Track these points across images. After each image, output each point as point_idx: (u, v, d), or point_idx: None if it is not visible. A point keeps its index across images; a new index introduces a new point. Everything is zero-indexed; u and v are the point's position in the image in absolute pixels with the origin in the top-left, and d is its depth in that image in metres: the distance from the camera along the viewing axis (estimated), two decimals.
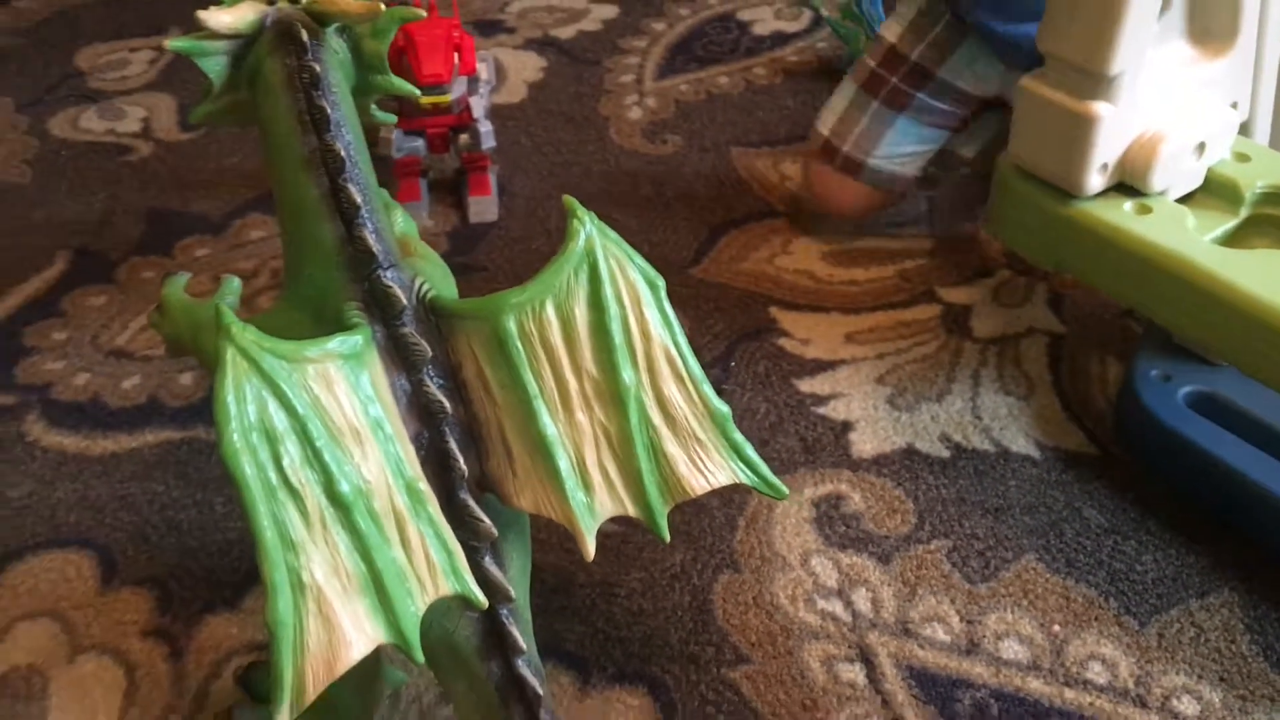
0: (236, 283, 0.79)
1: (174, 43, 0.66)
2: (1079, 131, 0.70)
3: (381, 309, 0.65)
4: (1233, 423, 0.94)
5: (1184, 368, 0.99)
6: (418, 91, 0.72)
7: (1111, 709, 0.81)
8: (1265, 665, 0.83)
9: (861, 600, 0.88)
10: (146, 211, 1.29)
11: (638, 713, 0.81)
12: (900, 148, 1.15)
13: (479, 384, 0.66)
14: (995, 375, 1.08)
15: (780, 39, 1.64)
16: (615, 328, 0.65)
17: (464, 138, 1.25)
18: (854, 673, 0.83)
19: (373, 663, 0.75)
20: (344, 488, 0.58)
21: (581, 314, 0.65)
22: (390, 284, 0.64)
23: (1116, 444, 1.00)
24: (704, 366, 0.67)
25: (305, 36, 0.65)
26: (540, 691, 0.66)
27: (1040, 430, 1.02)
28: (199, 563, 0.91)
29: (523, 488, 0.66)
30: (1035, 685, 0.83)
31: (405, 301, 0.64)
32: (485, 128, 1.24)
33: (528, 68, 1.57)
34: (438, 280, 0.68)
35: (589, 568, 0.90)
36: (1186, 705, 0.81)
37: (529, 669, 0.66)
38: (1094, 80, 0.68)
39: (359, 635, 0.59)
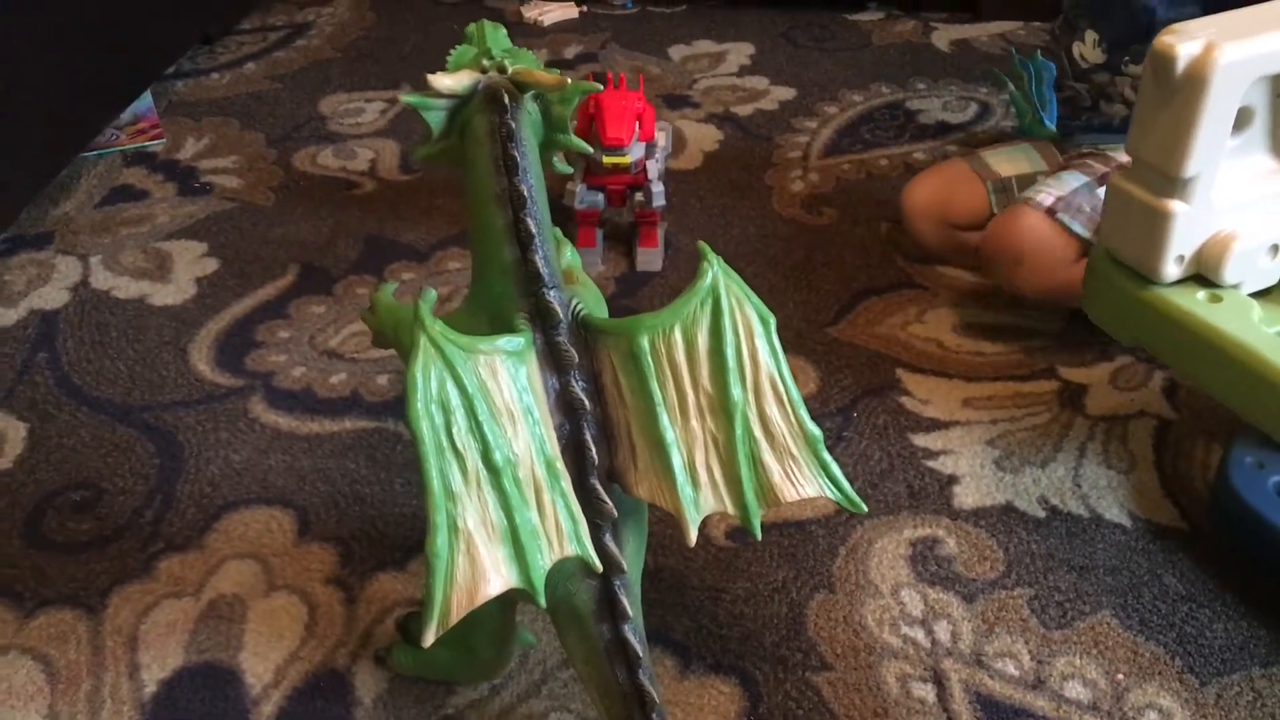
0: (433, 294, 0.94)
1: (406, 98, 0.83)
2: (1157, 225, 0.80)
3: (542, 319, 0.80)
4: None
5: (1276, 458, 1.05)
6: (590, 149, 0.87)
7: None
8: None
9: (942, 631, 0.98)
10: (365, 237, 1.50)
11: (727, 700, 0.93)
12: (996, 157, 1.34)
13: (614, 389, 0.80)
14: (1100, 450, 1.16)
15: (944, 128, 1.75)
16: (730, 352, 0.78)
17: (639, 196, 1.41)
18: (925, 691, 0.93)
19: (510, 622, 0.90)
20: (497, 456, 0.73)
21: (703, 339, 0.78)
22: (552, 300, 0.80)
23: (1207, 523, 1.07)
24: (828, 415, 0.79)
25: (507, 99, 0.82)
26: (641, 655, 0.79)
27: (1135, 503, 1.10)
28: (377, 529, 1.07)
29: (642, 479, 0.80)
30: None
31: (562, 316, 0.79)
32: (658, 188, 1.40)
33: (706, 138, 1.73)
34: (591, 304, 0.83)
35: (702, 573, 1.03)
36: None
37: (633, 634, 0.79)
38: (1170, 181, 0.79)
39: (496, 576, 0.73)
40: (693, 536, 0.79)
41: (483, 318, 0.82)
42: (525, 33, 2.08)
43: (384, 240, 1.50)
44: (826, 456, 0.80)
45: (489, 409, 0.74)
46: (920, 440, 1.18)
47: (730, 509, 0.79)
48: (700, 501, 0.79)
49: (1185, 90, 0.75)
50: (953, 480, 1.13)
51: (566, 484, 0.76)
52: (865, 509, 0.81)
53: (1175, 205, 0.80)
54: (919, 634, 0.98)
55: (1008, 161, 1.39)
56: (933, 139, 1.72)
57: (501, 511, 0.74)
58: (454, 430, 0.72)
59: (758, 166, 1.66)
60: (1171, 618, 0.99)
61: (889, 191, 1.59)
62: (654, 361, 0.78)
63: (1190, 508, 1.09)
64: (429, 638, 0.72)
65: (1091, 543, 1.06)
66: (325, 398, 1.24)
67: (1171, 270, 0.83)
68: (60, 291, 1.40)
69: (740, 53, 2.00)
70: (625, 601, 0.79)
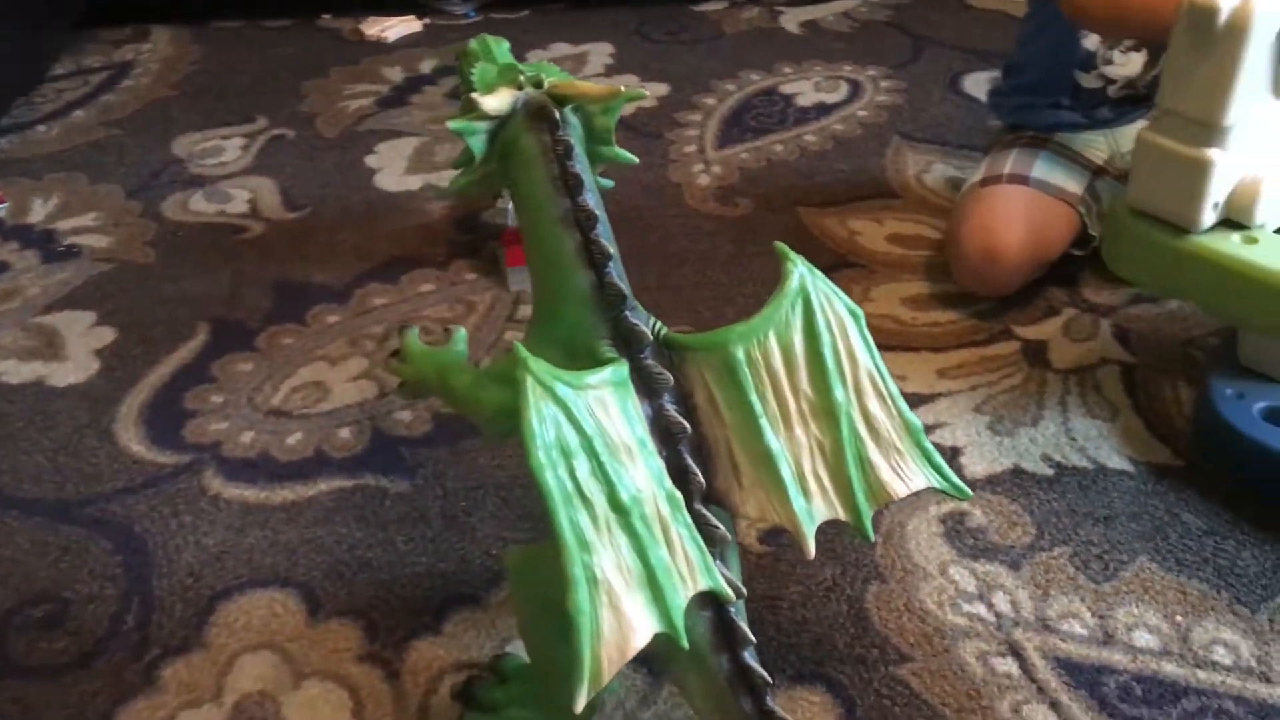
0: (463, 332, 0.88)
1: (454, 124, 0.76)
2: (1195, 175, 0.82)
3: (626, 343, 0.75)
4: None
5: (1253, 387, 1.10)
6: (636, 160, 0.82)
7: (1240, 685, 0.91)
8: None
9: (1001, 602, 0.98)
10: (272, 284, 1.39)
11: (820, 709, 0.90)
12: (1052, 172, 1.30)
13: (709, 408, 0.76)
14: (1080, 402, 1.19)
15: (824, 109, 1.77)
16: (827, 353, 0.75)
17: None
18: (1008, 665, 0.93)
19: None
20: (624, 496, 0.68)
21: (799, 342, 0.75)
22: (636, 322, 0.74)
23: (1198, 458, 1.11)
24: None
25: (559, 115, 0.76)
26: (770, 680, 0.75)
27: (1130, 448, 1.13)
28: (395, 594, 0.99)
29: (748, 498, 0.76)
30: (1170, 668, 0.92)
31: (649, 336, 0.74)
32: None
33: None
34: None
35: (750, 584, 0.99)
36: None
37: (755, 660, 0.75)
38: (1209, 131, 0.81)
39: (641, 624, 0.68)
40: (811, 549, 0.75)
41: (556, 351, 0.76)
42: (371, 50, 1.98)
43: (294, 285, 1.39)
44: (929, 445, 0.78)
45: (607, 447, 0.69)
46: None
47: (842, 514, 0.77)
48: (813, 511, 0.76)
49: (1226, 41, 0.77)
50: (956, 451, 1.13)
51: (686, 513, 0.72)
52: (971, 494, 0.79)
53: (1214, 154, 0.82)
54: (980, 609, 0.97)
55: (1057, 171, 1.32)
56: (817, 120, 1.74)
57: (635, 554, 0.68)
58: (578, 475, 0.67)
59: (658, 165, 1.63)
60: (1202, 553, 1.02)
61: (795, 177, 1.60)
62: (751, 372, 0.75)
63: (1180, 445, 1.13)
64: (580, 703, 0.66)
65: (1106, 493, 1.08)
66: (287, 461, 1.13)
67: (1208, 218, 0.85)
68: None
69: (600, 52, 1.97)
70: (744, 626, 0.75)
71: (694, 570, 0.70)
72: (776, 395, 0.75)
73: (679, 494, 0.71)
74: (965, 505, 1.07)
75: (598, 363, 0.74)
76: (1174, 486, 1.09)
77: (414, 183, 1.59)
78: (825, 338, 0.75)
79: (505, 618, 0.97)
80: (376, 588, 1.00)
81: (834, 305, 0.76)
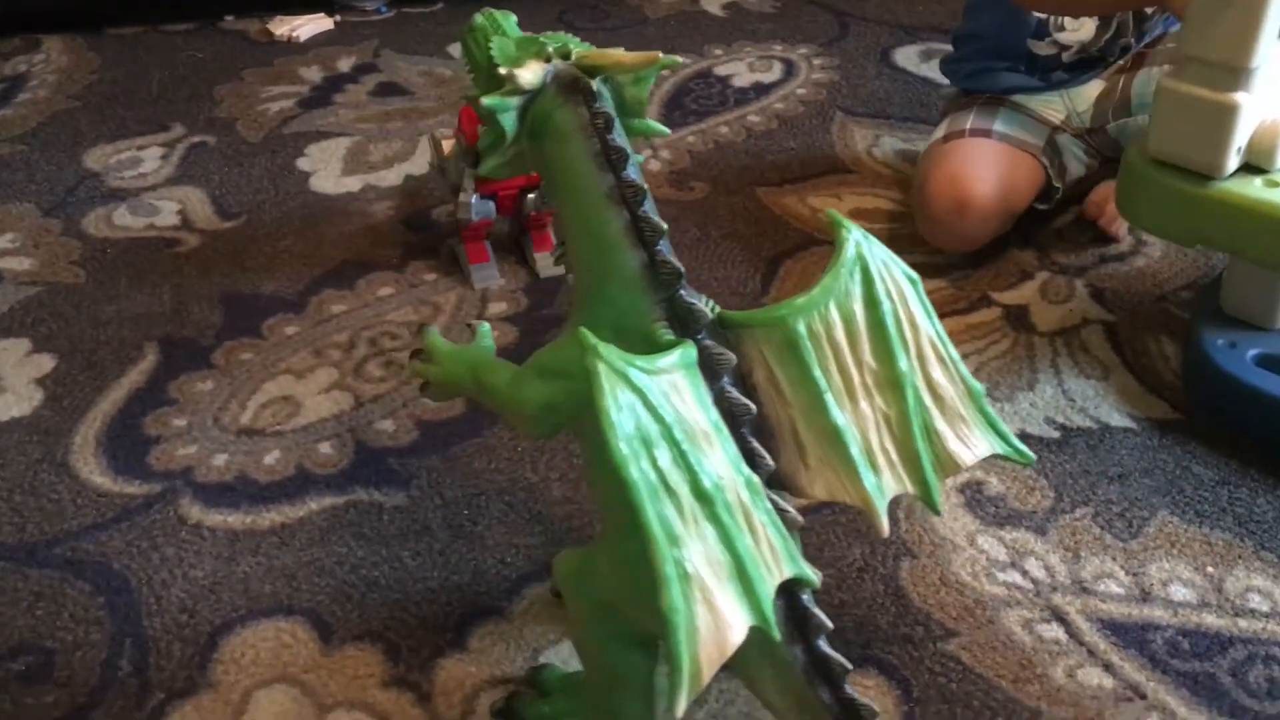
0: (486, 327, 0.82)
1: (488, 100, 0.71)
2: (1221, 119, 0.82)
3: (683, 324, 0.70)
4: None
5: (1243, 335, 1.11)
6: (668, 131, 0.78)
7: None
8: None
9: (1035, 568, 0.96)
10: (219, 297, 1.30)
11: (876, 693, 0.87)
12: (1012, 125, 1.31)
13: (769, 386, 0.72)
14: (1072, 363, 1.19)
15: (762, 89, 1.75)
16: (889, 321, 0.72)
17: (531, 197, 1.30)
18: (1054, 631, 0.91)
19: (652, 676, 0.80)
20: (707, 484, 0.63)
21: (860, 311, 0.72)
22: (692, 300, 0.70)
23: (1198, 409, 1.11)
24: None
25: (595, 86, 0.71)
26: (849, 666, 0.71)
27: (1128, 405, 1.13)
28: (410, 613, 0.93)
29: (815, 478, 0.72)
30: (1211, 620, 0.92)
31: (708, 315, 0.70)
32: None
33: None
34: None
35: None
36: None
37: (830, 647, 0.72)
38: (1236, 74, 0.80)
39: (736, 619, 0.63)
40: (885, 526, 0.72)
41: (605, 335, 0.71)
42: (283, 51, 1.88)
43: (243, 297, 1.30)
44: (991, 411, 0.76)
45: (686, 434, 0.64)
46: None
47: (910, 488, 0.74)
48: (883, 487, 0.73)
49: None
50: None
51: (766, 500, 0.68)
52: (1034, 458, 0.77)
53: (1240, 98, 0.81)
54: (1016, 577, 0.96)
55: (1016, 126, 1.32)
56: (757, 100, 1.71)
57: (722, 545, 0.64)
58: (661, 465, 0.62)
59: None
60: (1219, 503, 1.02)
61: (745, 158, 1.57)
62: (814, 346, 0.71)
63: (1175, 398, 1.14)
64: (680, 707, 0.61)
65: (1115, 451, 1.08)
66: (268, 482, 1.06)
67: (1233, 163, 0.85)
68: None
69: None
70: (820, 613, 0.72)
71: (778, 558, 0.67)
72: (840, 369, 0.72)
73: (757, 479, 0.67)
74: (979, 474, 1.05)
75: (654, 346, 0.69)
76: (1179, 440, 1.09)
77: (353, 184, 1.52)
78: (886, 305, 0.72)
79: (532, 626, 0.91)
80: (390, 607, 0.93)
81: (892, 271, 0.73)
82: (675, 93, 1.74)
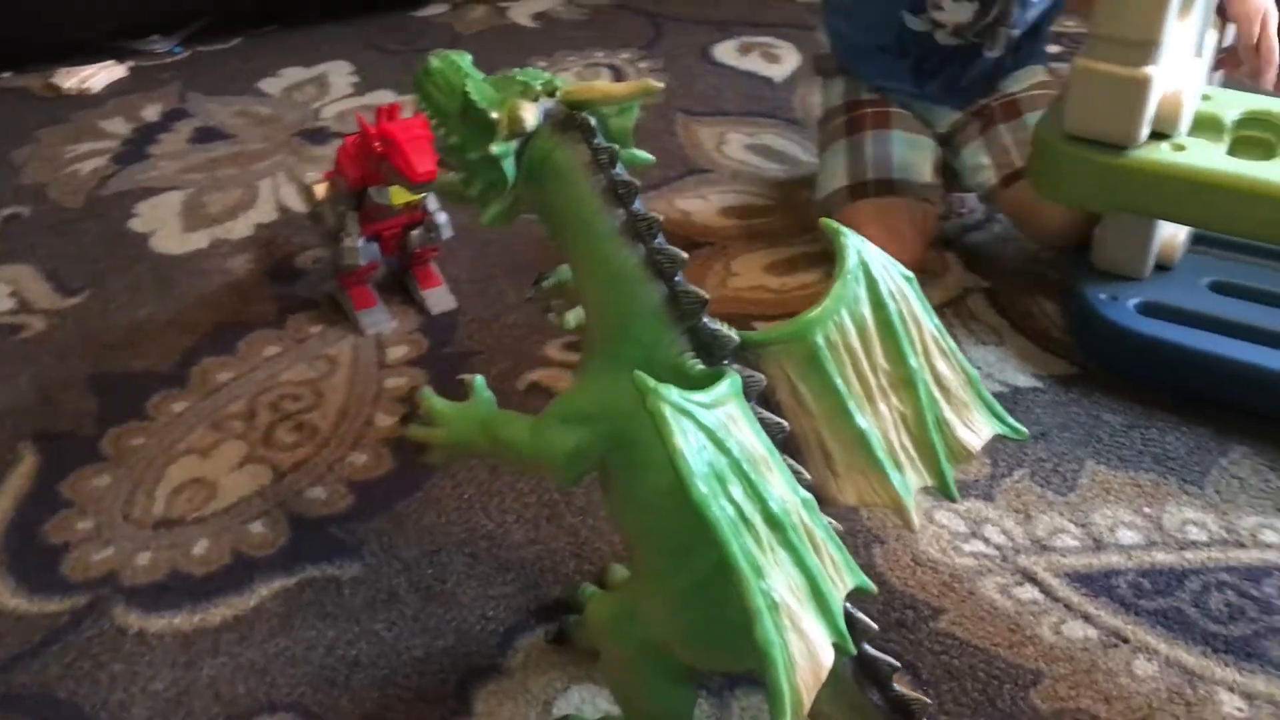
0: (481, 379, 0.79)
1: (498, 147, 0.67)
2: (1134, 93, 0.88)
3: (708, 351, 0.70)
4: (1174, 318, 1.16)
5: (1120, 287, 1.19)
6: (653, 159, 0.76)
7: (1223, 556, 0.98)
8: None
9: (994, 534, 1.01)
10: (88, 381, 1.20)
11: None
12: (909, 157, 1.30)
13: (792, 401, 0.72)
14: (967, 332, 1.24)
15: None
16: (896, 321, 0.73)
17: (414, 234, 1.26)
18: (1030, 592, 0.95)
19: (693, 710, 0.79)
20: (776, 510, 0.63)
21: (869, 315, 0.73)
22: (717, 327, 0.70)
23: (1094, 362, 1.18)
24: None
25: (594, 122, 0.69)
26: (897, 665, 0.73)
27: (1030, 365, 1.19)
28: (403, 687, 0.88)
29: (844, 485, 0.73)
30: (1161, 557, 0.98)
31: (735, 339, 0.70)
32: (443, 218, 1.26)
33: None
34: None
35: None
36: (1270, 535, 1.00)
37: (875, 648, 0.73)
38: (1146, 49, 0.86)
39: (822, 640, 0.64)
40: (916, 522, 0.74)
41: (630, 374, 0.69)
42: (77, 105, 1.75)
43: (114, 377, 1.20)
44: (987, 393, 0.78)
45: (751, 463, 0.64)
46: None
47: (929, 480, 0.76)
48: (909, 484, 0.74)
49: None
50: None
51: (822, 516, 0.68)
52: (1028, 434, 0.80)
53: (1151, 70, 0.87)
54: (980, 546, 1.00)
55: (916, 153, 1.32)
56: None
57: (797, 568, 0.64)
58: (736, 499, 0.62)
59: None
60: (1135, 447, 1.09)
61: None
62: (833, 355, 0.72)
63: (1069, 354, 1.21)
64: None
65: (1030, 411, 1.14)
66: (205, 574, 0.98)
67: (1145, 132, 0.91)
68: None
69: (339, 71, 1.84)
70: (864, 617, 0.73)
71: (841, 571, 0.67)
72: (858, 374, 0.73)
73: (810, 497, 0.67)
74: None
75: (684, 377, 0.69)
76: (1084, 392, 1.16)
77: (200, 241, 1.42)
78: (891, 306, 0.73)
79: (536, 678, 0.89)
80: (380, 686, 0.88)
81: (891, 272, 0.74)
82: None
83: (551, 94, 0.71)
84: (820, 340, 0.71)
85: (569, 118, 0.70)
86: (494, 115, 0.69)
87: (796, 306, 1.26)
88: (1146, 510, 1.03)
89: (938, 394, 0.75)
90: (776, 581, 0.62)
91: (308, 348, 1.24)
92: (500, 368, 1.20)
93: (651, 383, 0.62)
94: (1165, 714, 0.86)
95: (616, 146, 0.70)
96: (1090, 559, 0.98)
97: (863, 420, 0.72)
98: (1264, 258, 1.20)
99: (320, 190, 1.24)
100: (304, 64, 1.86)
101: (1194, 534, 1.00)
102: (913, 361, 0.74)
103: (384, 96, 1.75)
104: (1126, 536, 1.00)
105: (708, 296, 0.70)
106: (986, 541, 1.00)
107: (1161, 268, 1.20)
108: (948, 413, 0.76)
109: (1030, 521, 1.02)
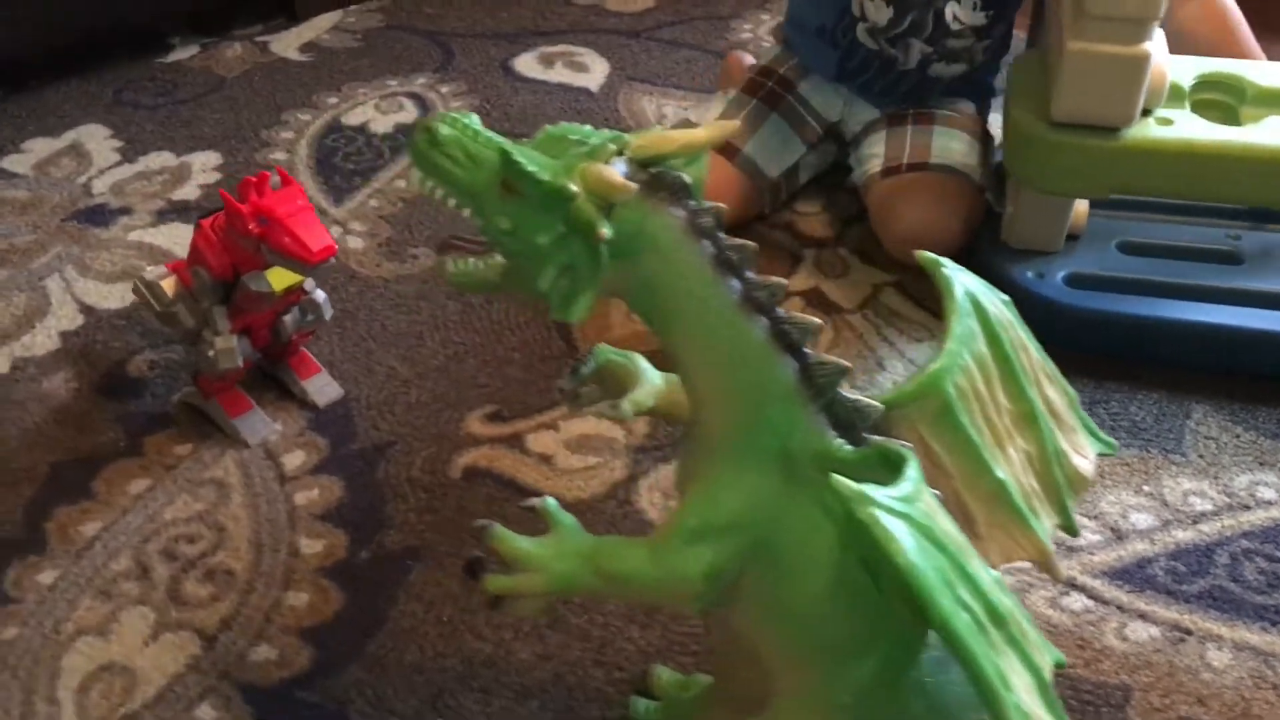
0: (553, 501, 0.64)
1: (606, 227, 0.54)
2: (1132, 71, 0.85)
3: (849, 426, 0.60)
4: (1103, 286, 1.15)
5: (1040, 263, 1.17)
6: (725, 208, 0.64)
7: (1234, 521, 0.97)
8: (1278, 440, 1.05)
9: None
10: None
11: None
12: (769, 145, 1.28)
13: (928, 463, 0.63)
14: (895, 331, 1.20)
15: (407, 130, 1.58)
16: (1011, 354, 0.66)
17: (288, 319, 1.07)
18: (1079, 600, 0.91)
19: None
20: (997, 605, 0.55)
21: (986, 352, 0.65)
22: (855, 398, 0.60)
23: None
24: None
25: (686, 181, 0.57)
26: None
27: None
28: None
29: (989, 545, 0.66)
30: (1181, 535, 0.97)
31: (879, 407, 0.60)
32: (321, 296, 1.08)
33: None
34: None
35: None
36: (1266, 491, 1.00)
37: None
38: (1143, 26, 0.83)
39: None
40: (1063, 571, 0.67)
41: (772, 466, 0.59)
42: None
43: None
44: (1084, 413, 0.73)
45: (963, 555, 0.55)
46: None
47: (1056, 519, 0.69)
48: (1046, 529, 0.67)
49: None
50: None
51: (1013, 594, 0.60)
52: (1118, 447, 0.75)
53: (1148, 48, 0.84)
54: None
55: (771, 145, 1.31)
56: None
57: (1023, 664, 0.56)
58: (966, 602, 0.53)
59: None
60: (1105, 423, 1.07)
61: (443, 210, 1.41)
62: (964, 405, 0.64)
63: None
64: None
65: None
66: None
67: (1139, 111, 0.88)
68: None
69: (95, 137, 1.58)
70: None
71: (1041, 651, 0.59)
72: (986, 420, 0.65)
73: (999, 574, 0.59)
74: None
75: (839, 462, 0.58)
76: None
77: None
78: (1004, 336, 0.66)
79: None
80: None
81: (993, 299, 0.67)
82: (319, 156, 1.52)
83: (621, 151, 0.58)
84: (952, 390, 0.63)
85: (656, 178, 0.57)
86: (572, 187, 0.55)
87: None
88: (1146, 489, 1.01)
89: (1053, 424, 0.69)
90: (1020, 689, 0.54)
91: (182, 474, 1.04)
92: (423, 456, 1.05)
93: (854, 487, 0.52)
94: (1260, 702, 0.83)
95: (722, 205, 0.59)
96: (1118, 552, 0.95)
97: (1000, 470, 0.65)
98: (1157, 212, 1.21)
99: (168, 285, 1.03)
100: (48, 133, 1.59)
101: (1199, 504, 0.99)
102: (1031, 393, 0.67)
103: (163, 159, 1.52)
104: (1141, 521, 0.98)
105: (848, 365, 0.59)
106: None
107: (1071, 237, 1.19)
108: (1063, 443, 0.69)
109: None
